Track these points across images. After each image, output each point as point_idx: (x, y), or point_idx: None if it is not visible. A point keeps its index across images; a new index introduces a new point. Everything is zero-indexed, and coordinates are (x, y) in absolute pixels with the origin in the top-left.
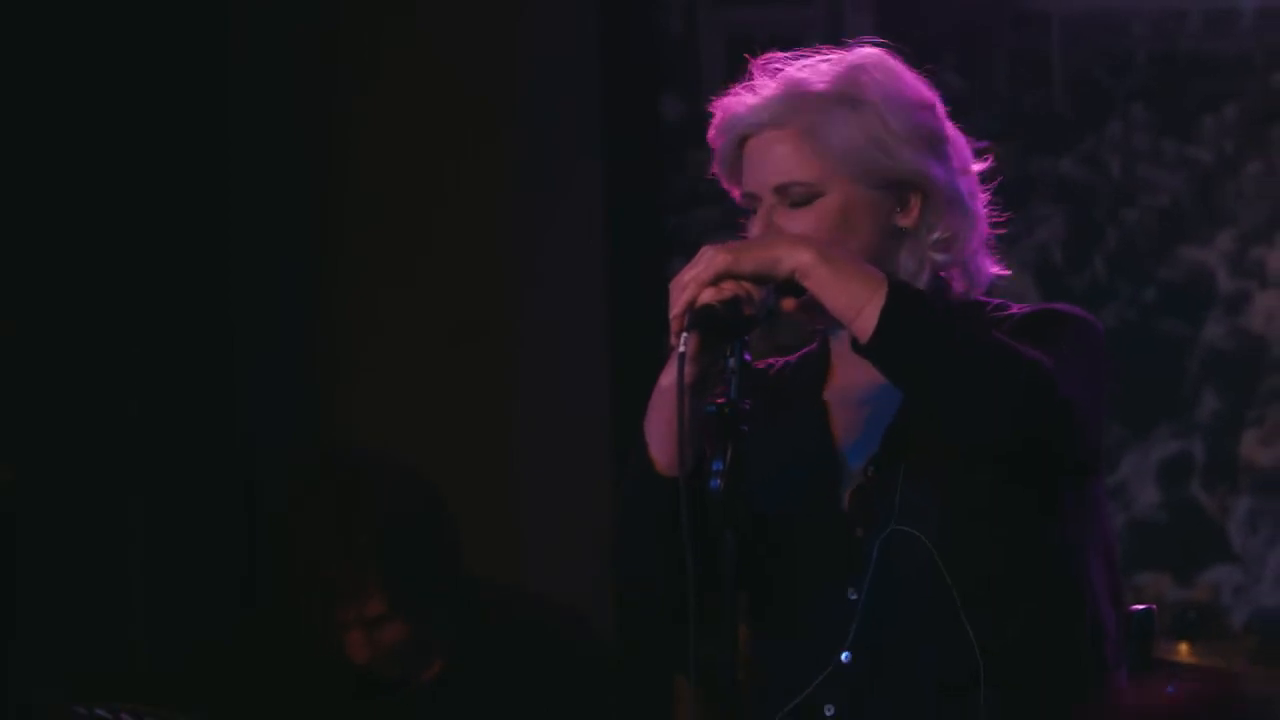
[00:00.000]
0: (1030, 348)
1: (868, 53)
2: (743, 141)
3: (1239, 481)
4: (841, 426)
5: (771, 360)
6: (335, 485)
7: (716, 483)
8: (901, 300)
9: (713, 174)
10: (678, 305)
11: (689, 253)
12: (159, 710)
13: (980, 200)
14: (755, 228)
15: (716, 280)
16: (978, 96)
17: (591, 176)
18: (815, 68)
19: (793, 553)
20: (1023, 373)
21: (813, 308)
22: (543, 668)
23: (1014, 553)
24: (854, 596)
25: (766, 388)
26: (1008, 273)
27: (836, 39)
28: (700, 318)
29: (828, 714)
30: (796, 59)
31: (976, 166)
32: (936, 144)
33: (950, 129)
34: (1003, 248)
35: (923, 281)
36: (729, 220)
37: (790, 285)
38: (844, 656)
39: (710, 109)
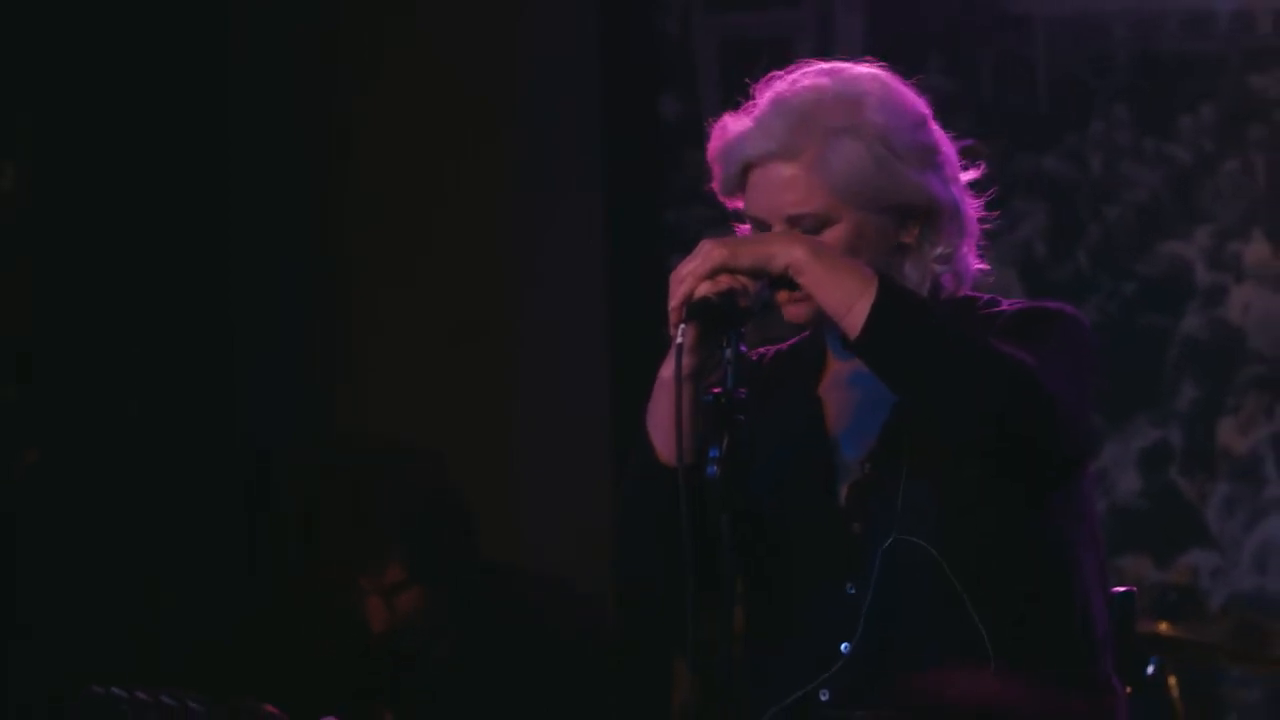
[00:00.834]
0: (1018, 345)
1: (862, 72)
2: (747, 168)
3: (1216, 468)
4: (835, 416)
5: (763, 349)
6: (359, 461)
7: (714, 470)
8: (891, 298)
9: (711, 189)
10: (676, 297)
11: (687, 248)
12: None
13: (970, 205)
14: None
15: (713, 274)
16: (964, 97)
17: (591, 175)
18: (815, 90)
19: (789, 547)
20: (1009, 371)
21: (805, 303)
22: (548, 647)
23: (1007, 546)
24: (851, 590)
25: (759, 376)
26: (988, 268)
27: (827, 41)
28: (697, 310)
29: (823, 699)
30: (789, 74)
31: (966, 176)
32: (933, 158)
33: (941, 137)
34: (987, 243)
35: (925, 291)
36: (725, 216)
37: (784, 280)
38: (843, 647)
39: (709, 128)
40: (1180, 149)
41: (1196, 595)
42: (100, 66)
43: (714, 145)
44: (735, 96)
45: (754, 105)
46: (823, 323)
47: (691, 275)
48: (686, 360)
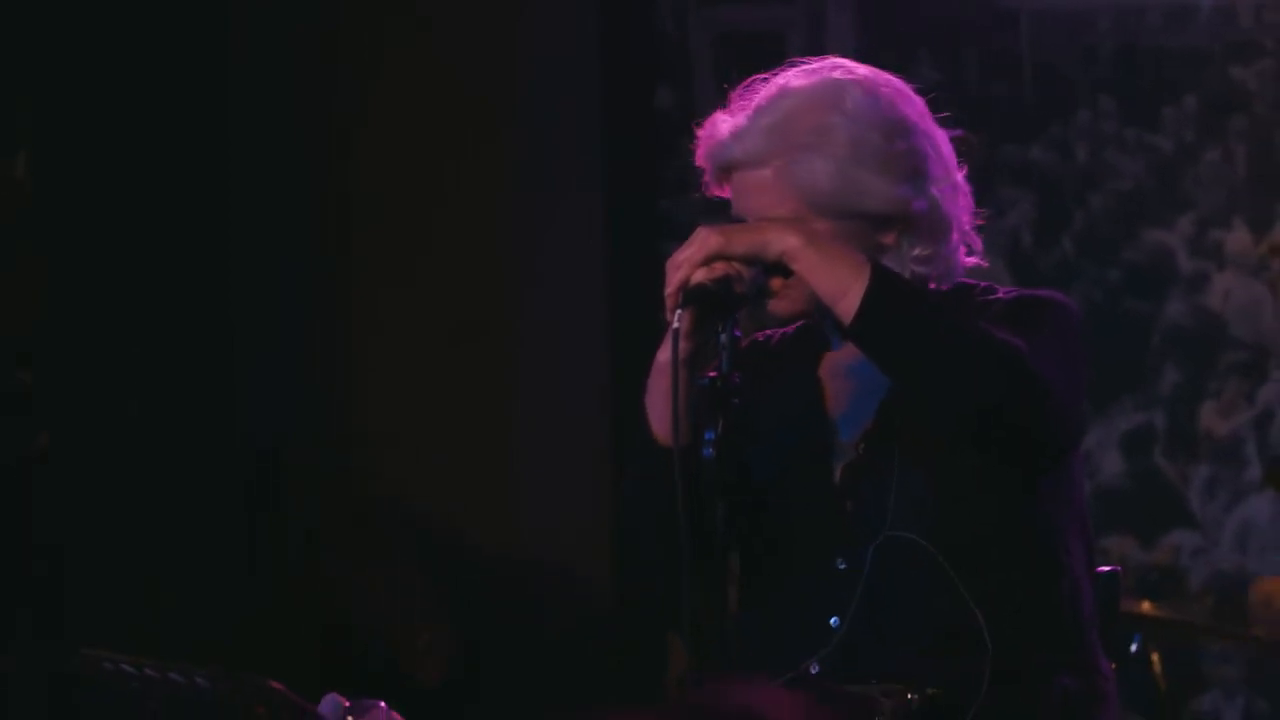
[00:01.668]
0: (1011, 332)
1: (848, 78)
2: (726, 171)
3: (1198, 451)
4: (834, 399)
5: (769, 331)
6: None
7: (709, 451)
8: (884, 285)
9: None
10: (672, 284)
11: (682, 236)
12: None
13: (962, 202)
14: None
15: (709, 260)
16: (952, 89)
17: (591, 172)
18: (793, 99)
19: (784, 524)
20: (1002, 356)
21: (798, 289)
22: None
23: (997, 528)
24: (842, 566)
25: (763, 356)
26: (985, 264)
27: (819, 36)
28: (693, 295)
29: (813, 671)
30: (777, 76)
31: (960, 171)
32: (911, 166)
33: (930, 136)
34: (975, 231)
35: None
36: (719, 205)
37: (779, 266)
38: (833, 622)
39: (702, 122)
40: (1163, 139)
41: (1178, 574)
42: (100, 66)
43: (701, 146)
44: (728, 90)
45: (740, 106)
46: (815, 311)
47: (687, 262)
48: (683, 345)
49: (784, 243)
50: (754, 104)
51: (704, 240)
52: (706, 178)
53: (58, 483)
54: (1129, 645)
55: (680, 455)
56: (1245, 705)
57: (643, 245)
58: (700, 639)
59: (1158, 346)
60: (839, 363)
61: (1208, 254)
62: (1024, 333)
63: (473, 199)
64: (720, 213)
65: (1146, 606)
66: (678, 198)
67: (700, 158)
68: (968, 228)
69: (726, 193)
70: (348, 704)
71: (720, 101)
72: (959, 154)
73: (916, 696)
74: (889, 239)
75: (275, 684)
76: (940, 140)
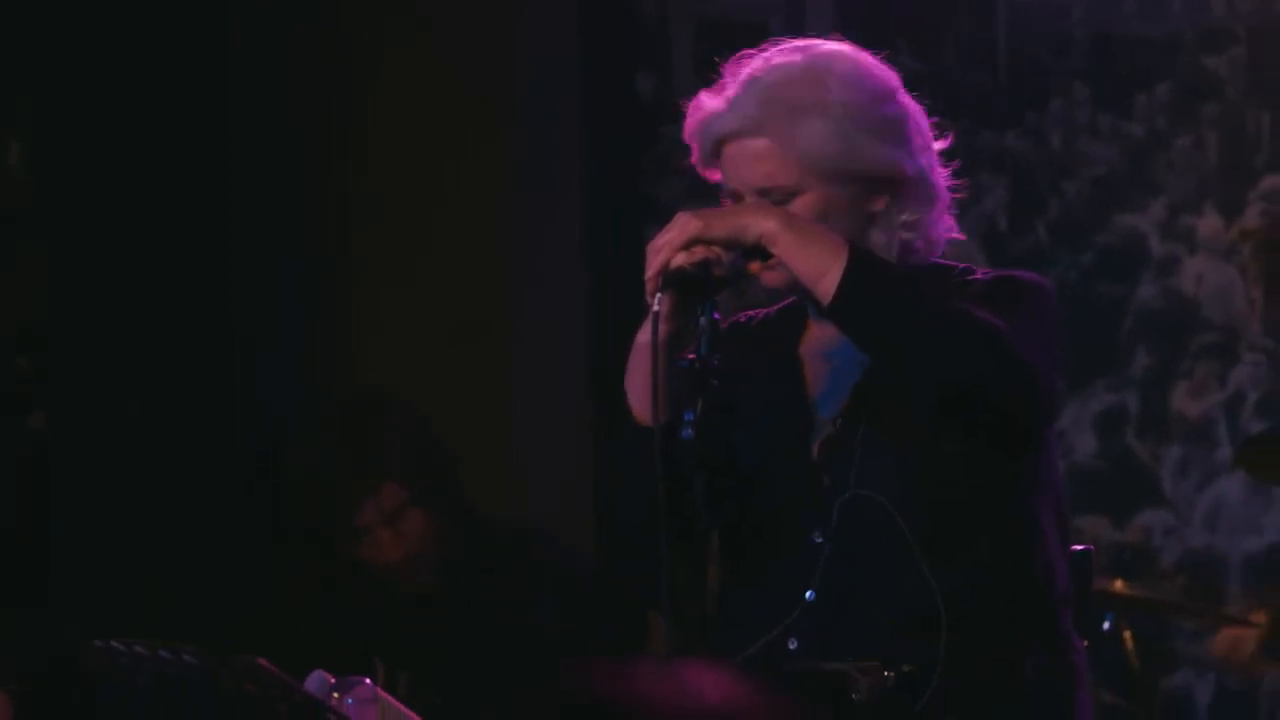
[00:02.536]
0: (990, 313)
1: (832, 49)
2: (719, 145)
3: (1170, 431)
4: (814, 379)
5: (752, 312)
6: (351, 407)
7: (688, 432)
8: (862, 266)
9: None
10: (653, 268)
11: (663, 220)
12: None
13: (940, 173)
14: None
15: (689, 245)
16: (929, 76)
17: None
18: (784, 69)
19: (764, 500)
20: (980, 336)
21: (778, 271)
22: (533, 599)
23: (970, 503)
24: (818, 540)
25: (746, 338)
26: (962, 236)
27: (798, 23)
28: (673, 279)
29: (791, 647)
30: (761, 53)
31: (937, 144)
32: (900, 131)
33: (912, 108)
34: (953, 215)
35: (894, 256)
36: (699, 189)
37: (758, 250)
38: (808, 595)
39: (684, 106)
40: (1136, 126)
41: (1150, 554)
42: (100, 63)
43: (690, 122)
44: (709, 74)
45: (726, 83)
46: (794, 293)
47: (668, 246)
48: (663, 328)
49: (762, 226)
50: (743, 76)
51: (684, 224)
52: (695, 157)
53: (58, 478)
54: (1101, 623)
55: (660, 436)
56: (1216, 683)
57: (623, 229)
58: (681, 618)
59: (1130, 329)
60: (818, 342)
61: (1179, 238)
62: (1002, 313)
63: (470, 197)
64: (701, 196)
65: (1119, 585)
66: (658, 183)
67: (688, 134)
68: (948, 200)
69: (715, 174)
70: (334, 680)
71: (700, 87)
72: (938, 134)
73: (892, 673)
74: (880, 205)
75: (263, 661)
76: (920, 113)
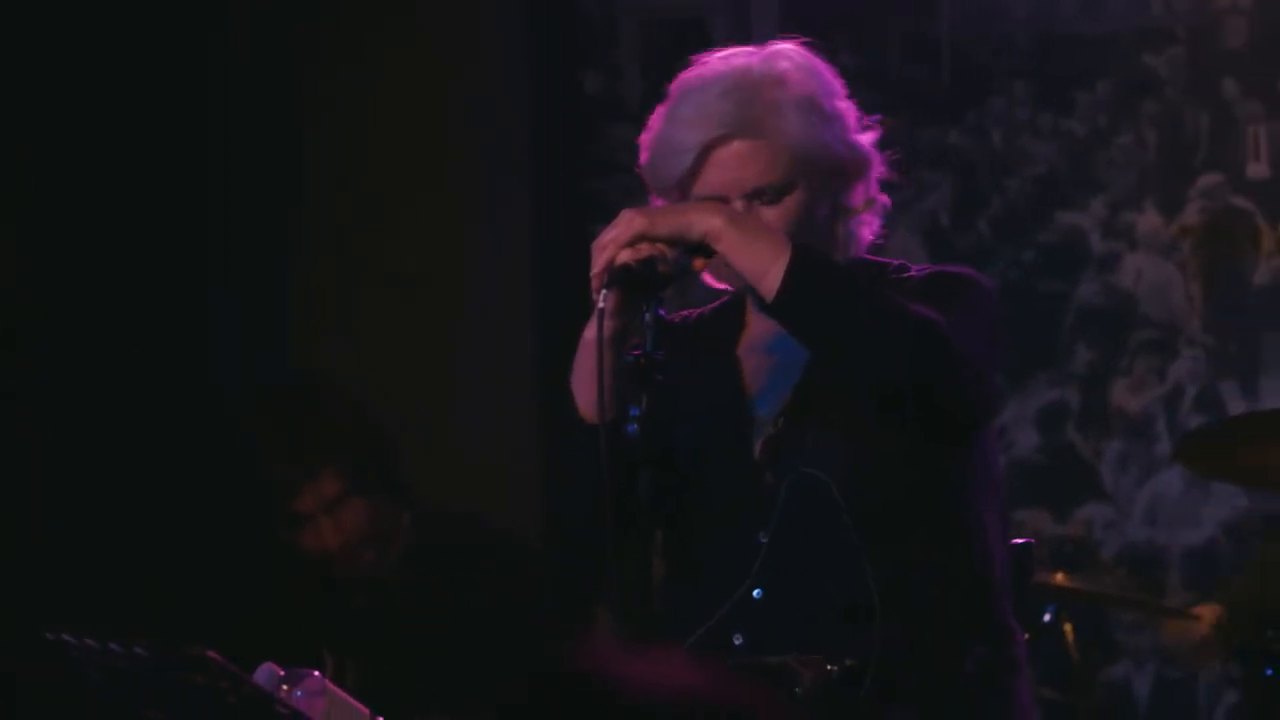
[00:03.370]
0: (928, 308)
1: (784, 48)
2: (703, 153)
3: (1110, 426)
4: (753, 376)
5: (688, 311)
6: (289, 392)
7: (633, 428)
8: (805, 263)
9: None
10: (598, 265)
11: (608, 217)
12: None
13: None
14: None
15: (634, 242)
16: (873, 74)
17: (520, 152)
18: (747, 70)
19: (707, 498)
20: (918, 331)
21: (722, 268)
22: (478, 593)
23: (910, 497)
24: (763, 539)
25: (683, 337)
26: (881, 241)
27: (742, 21)
28: (618, 276)
29: (736, 643)
30: (714, 59)
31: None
32: (854, 121)
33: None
34: (895, 212)
35: (849, 247)
36: (644, 187)
37: (702, 247)
38: (755, 593)
39: (629, 103)
40: (1076, 124)
41: (1091, 547)
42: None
43: (655, 144)
44: (654, 73)
45: (678, 98)
46: (738, 289)
47: (613, 243)
48: (608, 324)
49: (707, 224)
50: (703, 83)
51: (629, 222)
52: (660, 177)
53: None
54: (1042, 616)
55: (605, 432)
56: (1155, 674)
57: (570, 227)
58: (627, 611)
59: (1071, 325)
60: (758, 340)
61: (1120, 235)
62: (941, 308)
63: (408, 186)
64: (646, 194)
65: (1060, 578)
66: (605, 180)
67: (656, 155)
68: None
69: (669, 196)
70: (282, 673)
71: (645, 86)
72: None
73: (835, 666)
74: (847, 198)
75: (212, 653)
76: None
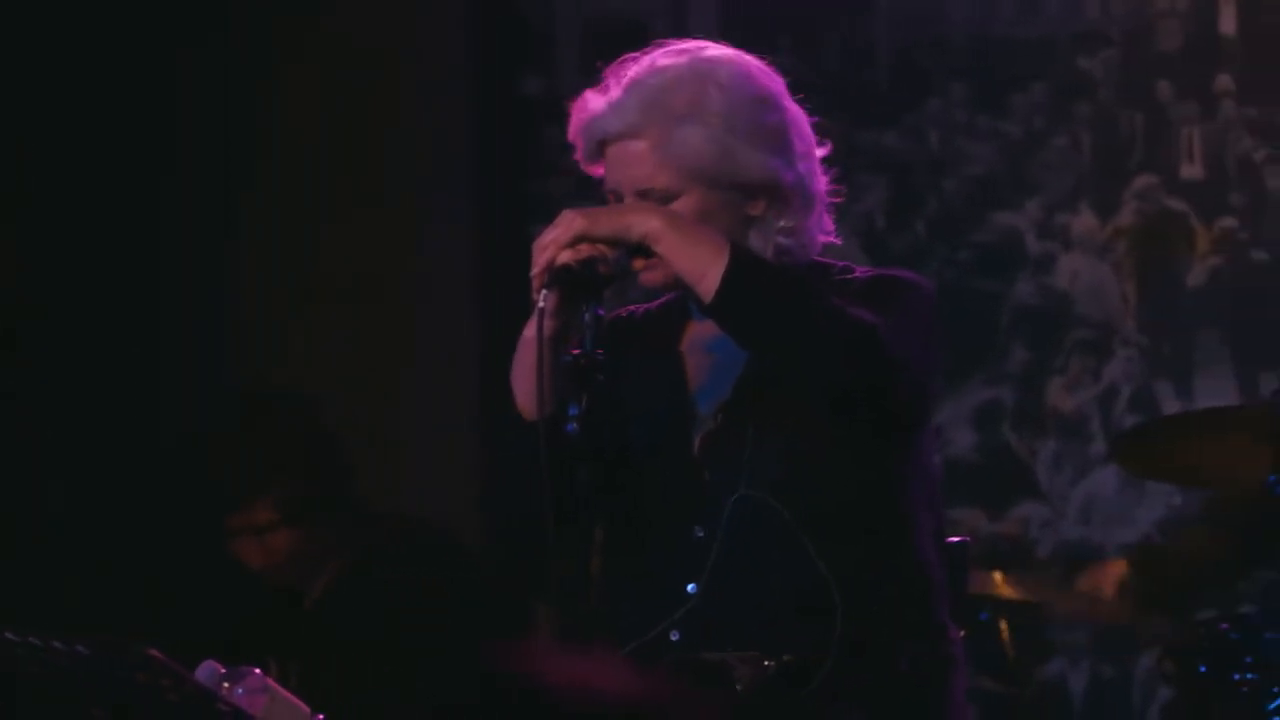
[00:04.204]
0: (867, 310)
1: (717, 54)
2: (601, 145)
3: (1045, 426)
4: (694, 374)
5: (632, 307)
6: (237, 408)
7: (573, 426)
8: (743, 266)
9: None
10: (538, 265)
11: (549, 218)
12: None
13: (820, 179)
14: None
15: (574, 242)
16: (810, 75)
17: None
18: (667, 73)
19: (646, 494)
20: (856, 333)
21: (660, 269)
22: (417, 590)
23: (847, 494)
24: (700, 534)
25: (627, 332)
26: (839, 241)
27: (681, 22)
28: (559, 276)
29: (673, 639)
30: (647, 55)
31: (820, 151)
32: (780, 138)
33: (794, 113)
34: (832, 214)
35: (768, 256)
36: (585, 188)
37: (641, 248)
38: (690, 589)
39: (569, 106)
40: (1012, 125)
41: (1026, 545)
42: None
43: (574, 121)
44: (594, 75)
45: (610, 84)
46: (676, 290)
47: (553, 244)
48: (548, 324)
49: (647, 225)
50: (628, 78)
51: (569, 222)
52: (579, 154)
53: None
54: (978, 614)
55: (545, 430)
56: (1090, 670)
57: (511, 227)
58: (566, 609)
59: (1007, 325)
60: (699, 338)
61: (1055, 236)
62: (880, 311)
63: (348, 189)
64: (587, 195)
65: (996, 577)
66: (545, 181)
67: (573, 133)
68: (826, 204)
69: (599, 170)
70: (224, 670)
71: (586, 88)
72: (818, 138)
73: (772, 663)
74: (757, 210)
75: (153, 651)
76: (802, 119)
